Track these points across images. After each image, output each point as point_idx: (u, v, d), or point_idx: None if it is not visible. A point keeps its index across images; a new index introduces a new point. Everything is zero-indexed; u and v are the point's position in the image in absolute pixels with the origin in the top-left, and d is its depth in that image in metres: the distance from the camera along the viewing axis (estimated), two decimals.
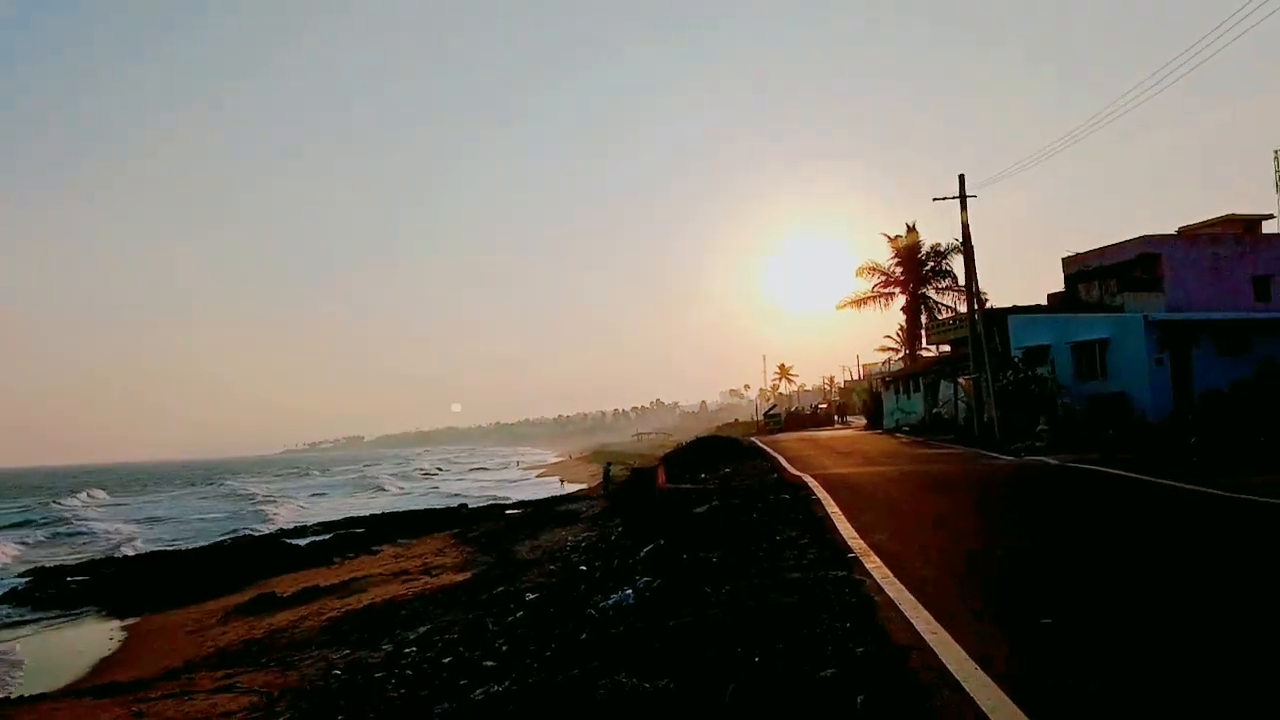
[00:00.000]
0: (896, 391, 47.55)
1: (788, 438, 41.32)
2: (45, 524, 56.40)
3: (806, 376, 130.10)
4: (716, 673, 5.94)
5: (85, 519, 61.43)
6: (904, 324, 54.09)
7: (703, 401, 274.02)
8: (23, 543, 44.69)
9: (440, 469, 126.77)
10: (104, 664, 17.25)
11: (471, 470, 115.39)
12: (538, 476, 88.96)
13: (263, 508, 63.14)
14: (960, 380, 34.56)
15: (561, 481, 69.58)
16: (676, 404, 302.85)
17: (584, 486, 52.19)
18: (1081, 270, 35.10)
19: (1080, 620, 6.44)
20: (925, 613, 6.70)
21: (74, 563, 33.77)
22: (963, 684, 5.06)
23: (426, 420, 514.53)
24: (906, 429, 40.20)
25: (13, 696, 13.89)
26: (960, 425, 33.92)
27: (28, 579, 29.66)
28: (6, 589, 27.70)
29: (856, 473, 19.99)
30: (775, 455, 26.67)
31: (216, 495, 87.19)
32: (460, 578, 20.19)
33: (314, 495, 79.61)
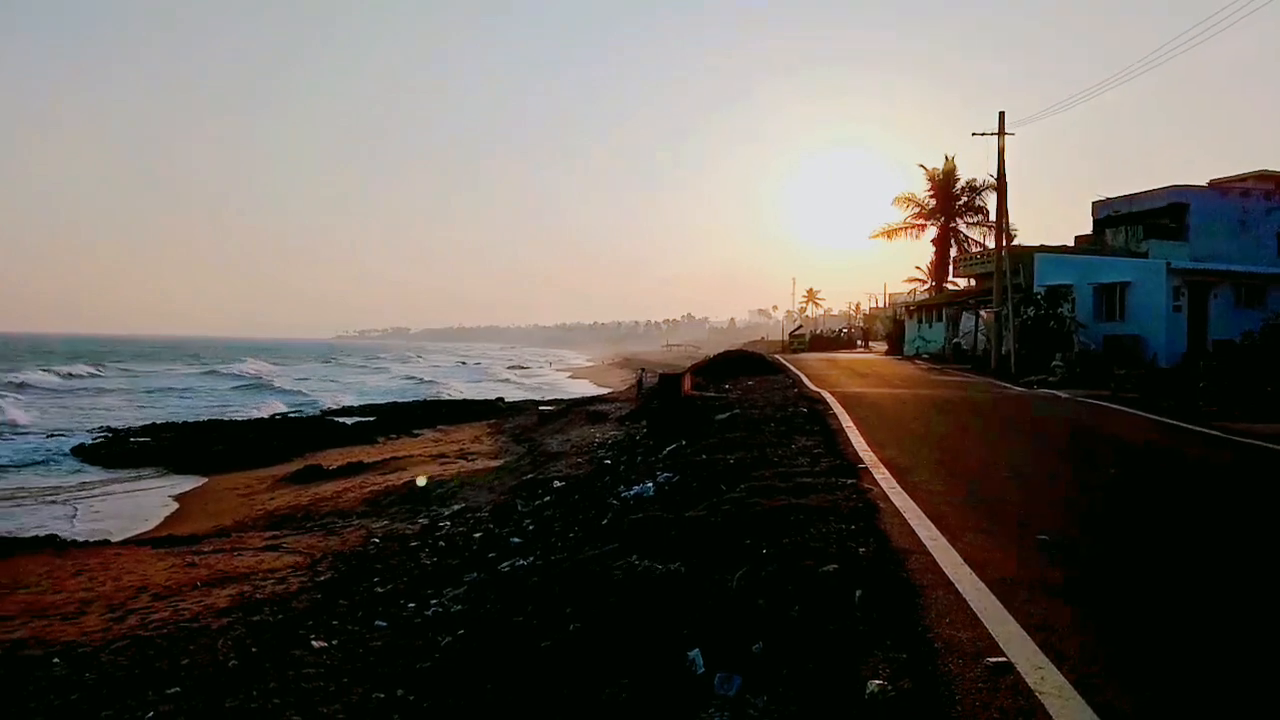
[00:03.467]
0: (919, 320, 47.79)
1: (810, 357, 41.54)
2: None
3: (833, 301, 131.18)
4: (726, 560, 6.32)
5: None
6: (934, 256, 54.56)
7: (732, 318, 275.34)
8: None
9: (478, 362, 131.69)
10: (161, 519, 18.37)
11: (510, 368, 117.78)
12: (570, 378, 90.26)
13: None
14: (982, 313, 34.75)
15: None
16: (706, 319, 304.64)
17: (613, 389, 53.02)
18: (1110, 215, 35.66)
19: (1075, 537, 6.77)
20: (927, 521, 6.99)
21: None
22: (956, 585, 5.35)
23: (468, 317, 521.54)
24: (926, 357, 40.49)
25: (79, 541, 14.88)
26: (978, 356, 34.26)
27: (96, 437, 31.20)
28: (75, 444, 29.27)
29: (874, 393, 20.22)
30: (797, 372, 26.92)
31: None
32: (494, 464, 20.99)
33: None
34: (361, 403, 48.92)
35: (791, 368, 29.29)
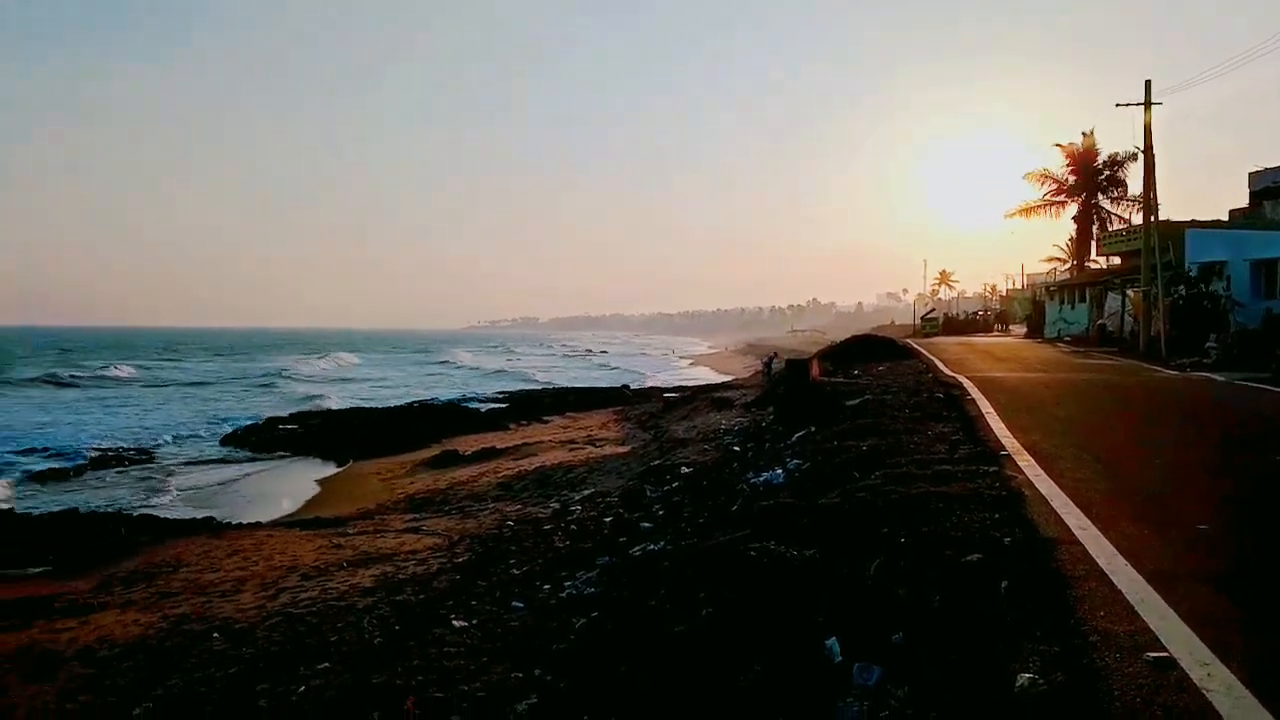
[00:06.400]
0: (1060, 301, 45.73)
1: (944, 341, 40.21)
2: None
3: (967, 283, 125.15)
4: (861, 548, 6.15)
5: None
6: (1073, 234, 51.98)
7: (859, 303, 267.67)
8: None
9: (604, 350, 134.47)
10: (308, 502, 19.35)
11: (637, 355, 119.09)
12: (690, 365, 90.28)
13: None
14: (1129, 293, 33.07)
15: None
16: (833, 304, 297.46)
17: (735, 376, 52.76)
18: (1269, 186, 33.50)
19: (1239, 528, 6.31)
20: (1076, 510, 6.65)
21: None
22: (1111, 577, 5.06)
23: (593, 306, 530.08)
24: (1068, 339, 38.83)
25: (233, 523, 15.82)
26: (1125, 338, 32.74)
27: (247, 423, 33.23)
28: (229, 431, 31.20)
29: (1013, 377, 19.38)
30: (930, 357, 26.05)
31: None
32: (621, 450, 21.20)
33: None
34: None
35: (924, 352, 28.47)
